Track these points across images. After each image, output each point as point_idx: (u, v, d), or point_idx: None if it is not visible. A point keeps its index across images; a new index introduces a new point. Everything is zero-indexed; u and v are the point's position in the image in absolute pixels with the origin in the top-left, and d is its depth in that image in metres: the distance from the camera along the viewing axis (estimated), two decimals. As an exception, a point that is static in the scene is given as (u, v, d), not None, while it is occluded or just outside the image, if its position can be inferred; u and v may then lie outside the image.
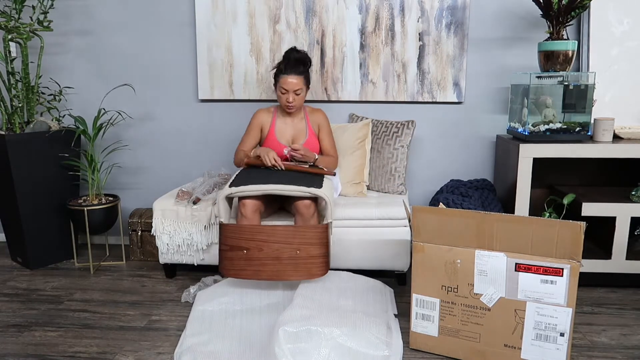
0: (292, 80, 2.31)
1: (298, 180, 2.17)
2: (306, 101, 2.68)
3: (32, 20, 2.64)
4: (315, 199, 2.18)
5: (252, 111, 2.87)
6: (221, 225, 2.15)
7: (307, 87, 2.41)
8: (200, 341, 1.86)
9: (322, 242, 2.09)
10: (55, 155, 2.70)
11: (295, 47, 2.42)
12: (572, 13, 2.31)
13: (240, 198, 2.18)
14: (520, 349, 1.70)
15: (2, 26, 2.51)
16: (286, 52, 2.40)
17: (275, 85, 2.40)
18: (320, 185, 2.15)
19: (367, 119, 2.74)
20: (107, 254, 2.91)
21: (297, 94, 2.34)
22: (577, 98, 2.34)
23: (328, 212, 2.14)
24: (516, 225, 1.64)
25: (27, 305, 2.26)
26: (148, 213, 2.83)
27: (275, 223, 2.36)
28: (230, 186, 2.15)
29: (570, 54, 2.30)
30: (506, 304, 1.70)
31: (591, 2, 2.43)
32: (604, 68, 2.59)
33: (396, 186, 2.62)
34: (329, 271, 2.23)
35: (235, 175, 2.27)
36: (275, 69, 2.39)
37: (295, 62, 2.34)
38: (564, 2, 2.27)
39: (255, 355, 1.78)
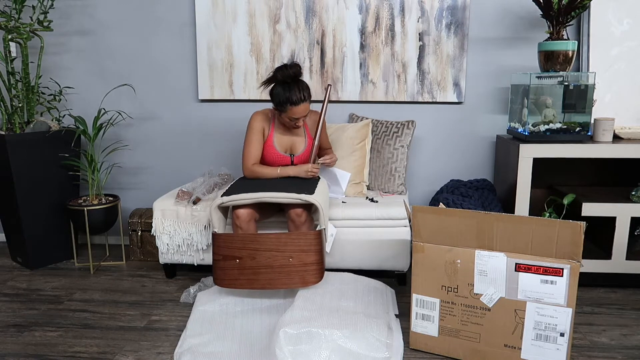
0: (303, 106, 2.19)
1: (290, 187, 2.16)
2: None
3: (32, 20, 2.64)
4: (308, 206, 2.17)
5: (251, 111, 2.86)
6: (214, 235, 2.14)
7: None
8: (201, 342, 1.86)
9: (315, 249, 2.06)
10: (55, 155, 2.70)
11: (284, 64, 2.18)
12: (572, 13, 2.31)
13: (234, 209, 2.17)
14: (520, 349, 1.70)
15: (2, 26, 2.51)
16: (281, 75, 2.16)
17: (277, 109, 2.24)
18: (312, 191, 2.13)
19: (367, 119, 2.74)
20: (107, 254, 2.91)
21: (306, 114, 2.25)
22: (577, 98, 2.34)
23: (321, 218, 2.12)
24: (516, 225, 1.64)
25: (27, 305, 2.26)
26: (148, 213, 2.83)
27: (273, 227, 2.37)
28: (222, 196, 2.15)
29: (570, 54, 2.30)
30: (506, 304, 1.70)
31: (591, 2, 2.43)
32: (604, 68, 2.59)
33: (396, 186, 2.62)
34: (330, 272, 2.23)
35: (229, 185, 2.27)
36: (268, 87, 2.24)
37: (297, 86, 2.17)
38: (564, 2, 2.27)
39: (256, 357, 1.77)
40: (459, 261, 1.74)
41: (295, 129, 2.35)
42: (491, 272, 1.70)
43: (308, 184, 2.21)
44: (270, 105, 2.35)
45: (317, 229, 2.15)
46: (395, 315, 2.08)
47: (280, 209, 2.40)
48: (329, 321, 1.81)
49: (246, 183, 2.27)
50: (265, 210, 2.29)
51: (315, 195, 2.11)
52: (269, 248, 2.05)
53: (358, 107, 2.85)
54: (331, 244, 2.20)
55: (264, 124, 2.33)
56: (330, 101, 2.84)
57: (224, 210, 2.24)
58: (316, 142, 2.32)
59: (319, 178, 2.36)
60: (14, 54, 2.76)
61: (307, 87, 2.23)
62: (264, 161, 2.36)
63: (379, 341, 1.80)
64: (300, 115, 2.22)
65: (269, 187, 2.16)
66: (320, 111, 2.36)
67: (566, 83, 2.33)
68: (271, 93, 2.25)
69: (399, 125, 2.64)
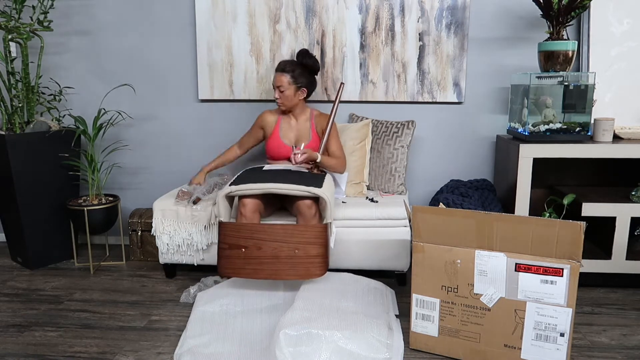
0: (277, 77, 2.38)
1: (298, 179, 2.17)
2: (310, 101, 2.68)
3: (32, 20, 2.64)
4: (316, 199, 2.18)
5: (252, 111, 2.89)
6: (220, 223, 2.15)
7: (297, 88, 2.40)
8: (201, 343, 1.86)
9: (321, 241, 2.08)
10: (55, 155, 2.70)
11: (306, 50, 2.47)
12: (572, 13, 2.31)
13: (240, 198, 2.18)
14: (520, 349, 1.70)
15: (2, 26, 2.51)
16: (298, 53, 2.48)
17: None
18: (320, 185, 2.15)
19: (367, 119, 2.74)
20: (107, 254, 2.91)
21: (281, 91, 2.38)
22: (577, 98, 2.34)
23: (327, 212, 2.13)
24: (516, 225, 1.64)
25: (27, 305, 2.26)
26: (148, 213, 2.83)
27: (275, 222, 2.36)
28: (230, 185, 2.16)
29: (570, 54, 2.30)
30: (506, 304, 1.70)
31: (591, 2, 2.43)
32: (604, 68, 2.59)
33: (396, 186, 2.62)
34: (331, 272, 2.23)
35: (237, 175, 2.28)
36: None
37: (288, 61, 2.42)
38: (564, 2, 2.26)
39: (256, 358, 1.77)
40: (459, 261, 1.74)
41: (297, 118, 2.49)
42: (491, 272, 1.70)
43: (316, 178, 2.23)
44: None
45: (324, 222, 2.16)
46: (395, 315, 2.08)
47: (282, 206, 2.42)
48: (329, 322, 1.81)
49: (254, 174, 2.28)
50: (268, 205, 2.30)
51: (323, 189, 2.13)
52: (275, 239, 2.07)
53: (358, 107, 2.85)
54: (333, 240, 2.20)
55: (268, 119, 2.52)
56: (340, 101, 2.83)
57: (230, 200, 2.25)
58: (325, 138, 2.39)
59: (325, 173, 2.37)
60: (14, 54, 2.76)
61: (296, 67, 2.40)
62: (269, 150, 2.48)
63: (379, 342, 1.80)
64: (274, 84, 2.39)
65: (277, 179, 2.17)
66: (331, 111, 2.43)
67: (566, 83, 2.33)
68: None
69: (399, 126, 2.64)
